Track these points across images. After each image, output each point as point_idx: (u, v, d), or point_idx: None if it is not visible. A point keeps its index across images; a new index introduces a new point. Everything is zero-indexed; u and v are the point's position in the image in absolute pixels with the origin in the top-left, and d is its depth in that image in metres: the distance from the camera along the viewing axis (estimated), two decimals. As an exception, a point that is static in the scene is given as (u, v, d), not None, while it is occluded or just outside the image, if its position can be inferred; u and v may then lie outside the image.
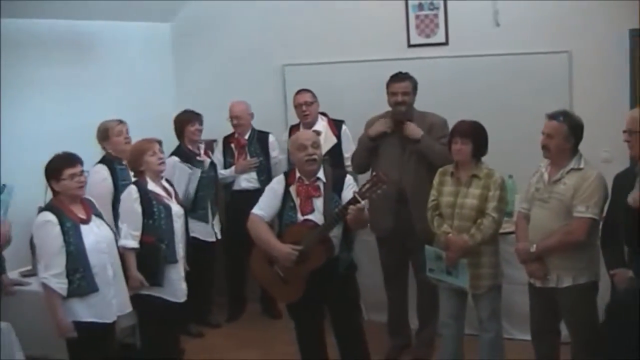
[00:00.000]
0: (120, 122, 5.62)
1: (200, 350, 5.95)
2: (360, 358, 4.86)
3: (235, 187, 6.49)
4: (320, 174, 4.65)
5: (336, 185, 4.62)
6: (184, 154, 6.11)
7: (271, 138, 6.57)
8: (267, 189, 4.87)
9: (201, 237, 6.12)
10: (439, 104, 5.57)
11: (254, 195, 5.31)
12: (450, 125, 4.90)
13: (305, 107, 6.13)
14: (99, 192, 5.21)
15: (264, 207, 4.74)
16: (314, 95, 6.18)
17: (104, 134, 5.56)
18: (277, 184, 4.78)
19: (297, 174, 4.68)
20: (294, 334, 4.99)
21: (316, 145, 4.62)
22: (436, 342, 5.47)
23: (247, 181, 6.44)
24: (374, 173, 4.57)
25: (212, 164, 6.38)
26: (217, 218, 6.41)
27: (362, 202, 4.38)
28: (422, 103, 5.43)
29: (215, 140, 6.92)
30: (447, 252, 4.64)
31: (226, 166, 6.53)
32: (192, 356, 5.66)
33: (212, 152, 6.61)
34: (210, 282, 6.50)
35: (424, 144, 5.20)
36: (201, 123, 6.25)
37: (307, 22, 6.81)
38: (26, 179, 5.30)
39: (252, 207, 6.24)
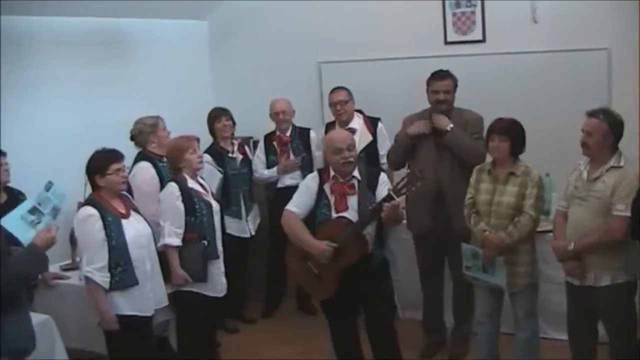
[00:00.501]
0: (160, 118, 5.67)
1: (236, 346, 5.99)
2: (391, 355, 4.86)
3: (279, 185, 6.47)
4: (355, 172, 4.65)
5: (370, 183, 4.62)
6: (216, 151, 6.14)
7: (312, 134, 6.57)
8: (301, 185, 4.88)
9: (235, 234, 6.17)
10: (476, 101, 5.54)
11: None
12: (487, 123, 4.89)
13: (340, 106, 6.12)
14: (149, 189, 5.23)
15: (298, 204, 4.75)
16: (349, 94, 6.16)
17: (152, 128, 5.55)
18: (311, 181, 4.78)
19: (332, 172, 4.68)
20: (329, 330, 5.00)
21: (351, 147, 4.61)
22: (471, 341, 5.47)
23: (291, 178, 6.41)
24: (408, 170, 4.56)
25: (245, 161, 6.38)
26: (252, 214, 6.42)
27: (397, 199, 4.38)
28: (458, 100, 5.41)
29: (251, 138, 6.96)
30: (484, 250, 4.63)
31: (269, 165, 6.52)
32: (227, 351, 5.69)
33: (249, 149, 6.63)
34: (244, 278, 6.52)
35: (452, 136, 5.18)
36: (229, 119, 6.25)
37: (343, 20, 6.81)
38: (65, 175, 5.38)
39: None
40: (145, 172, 5.42)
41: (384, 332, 4.80)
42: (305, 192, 4.76)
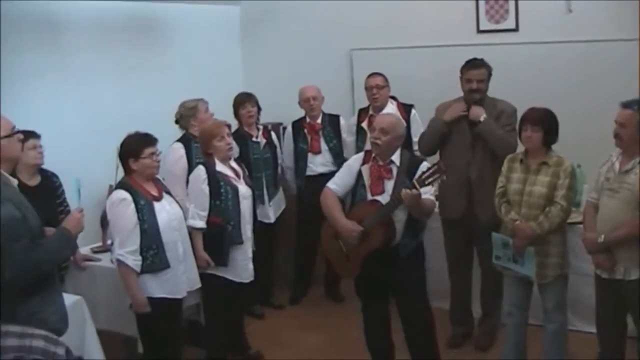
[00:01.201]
0: (204, 101, 5.74)
1: (264, 331, 6.02)
2: (424, 346, 4.85)
3: (309, 172, 6.46)
4: (395, 157, 4.62)
5: (410, 170, 4.57)
6: (240, 135, 6.13)
7: (342, 121, 6.56)
8: (345, 164, 4.92)
9: (258, 218, 6.15)
10: (508, 90, 5.49)
11: (329, 179, 5.27)
12: (520, 113, 4.86)
13: (376, 91, 6.11)
14: (174, 170, 5.31)
15: (338, 182, 4.78)
16: (385, 79, 6.14)
17: (192, 111, 5.66)
18: (354, 161, 4.79)
19: (373, 154, 4.68)
20: (357, 317, 5.01)
21: (384, 131, 4.58)
22: (499, 332, 5.46)
23: (323, 165, 6.43)
24: (434, 162, 4.52)
25: (269, 145, 6.35)
26: (275, 200, 6.39)
27: (418, 190, 4.34)
28: (490, 89, 5.37)
29: (281, 124, 6.97)
30: (514, 239, 4.60)
31: (298, 152, 6.51)
32: (254, 337, 5.71)
33: (279, 135, 6.64)
34: (270, 264, 6.52)
35: (484, 127, 5.15)
36: (254, 105, 6.24)
37: (376, 7, 6.80)
38: (96, 158, 5.44)
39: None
40: (174, 153, 5.51)
41: (413, 323, 4.79)
42: (346, 171, 4.79)
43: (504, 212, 4.73)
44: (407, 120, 6.11)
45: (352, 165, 4.78)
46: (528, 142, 4.63)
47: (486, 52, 5.57)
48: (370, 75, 6.20)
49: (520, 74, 6.10)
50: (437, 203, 4.84)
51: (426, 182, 4.37)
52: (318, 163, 6.46)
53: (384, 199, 4.55)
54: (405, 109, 6.20)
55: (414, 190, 4.33)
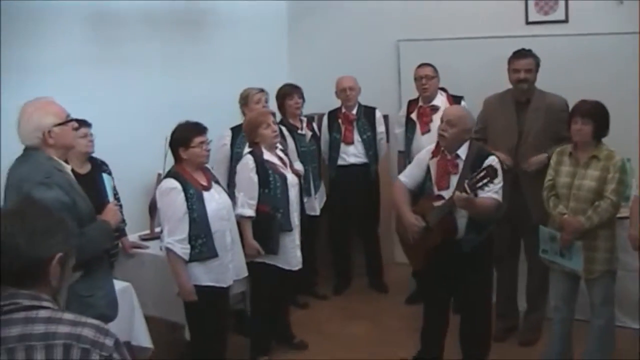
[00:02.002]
0: (261, 90, 5.80)
1: (308, 321, 6.04)
2: (476, 343, 4.84)
3: (341, 162, 6.46)
4: (462, 151, 4.56)
5: (475, 165, 4.48)
6: (285, 127, 6.16)
7: (378, 114, 6.54)
8: (416, 157, 4.90)
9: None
10: (557, 83, 5.45)
11: (361, 170, 5.30)
12: (570, 106, 4.80)
13: (425, 81, 6.07)
14: (217, 156, 5.35)
15: (408, 175, 4.78)
16: (435, 70, 6.10)
17: (244, 100, 5.78)
18: (424, 154, 4.76)
19: (442, 147, 4.63)
20: (400, 308, 5.02)
21: (451, 123, 4.51)
22: (544, 326, 5.42)
23: (354, 156, 6.43)
24: (484, 166, 4.41)
25: (314, 137, 6.38)
26: (321, 192, 6.42)
27: (469, 194, 4.28)
28: (539, 82, 5.33)
29: (324, 114, 6.97)
30: (562, 233, 4.56)
31: (332, 141, 6.51)
32: (297, 326, 5.74)
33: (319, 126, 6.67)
34: (314, 255, 6.54)
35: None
36: (301, 96, 6.26)
37: (423, -2, 6.77)
38: (145, 147, 5.50)
39: (358, 181, 6.30)
40: (219, 140, 5.55)
41: (470, 324, 4.79)
42: (416, 164, 4.78)
43: (552, 205, 4.68)
44: None
45: (422, 158, 4.74)
46: (578, 135, 4.56)
47: (535, 44, 5.53)
48: (419, 66, 6.16)
49: (569, 66, 6.01)
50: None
51: (477, 186, 4.30)
52: (350, 153, 6.45)
53: (448, 194, 4.50)
54: (455, 100, 6.14)
55: (463, 194, 4.29)
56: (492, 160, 4.47)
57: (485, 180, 4.29)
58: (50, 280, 1.97)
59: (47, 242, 1.95)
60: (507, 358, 5.20)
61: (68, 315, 1.95)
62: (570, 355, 4.90)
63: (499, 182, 4.45)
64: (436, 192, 4.57)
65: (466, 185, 4.31)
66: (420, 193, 4.73)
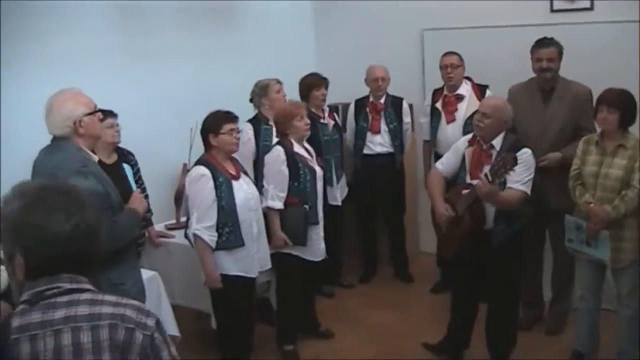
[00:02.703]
0: (278, 81, 5.80)
1: (334, 310, 6.08)
2: (502, 334, 4.85)
3: (367, 151, 6.47)
4: (496, 142, 4.54)
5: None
6: (309, 117, 6.12)
7: (405, 104, 6.54)
8: (453, 145, 4.88)
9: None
10: (583, 71, 5.41)
11: (386, 160, 5.29)
12: (595, 95, 4.77)
13: (450, 70, 6.05)
14: (243, 151, 5.36)
15: (444, 163, 4.80)
16: (460, 59, 6.09)
17: (264, 90, 5.76)
18: (461, 143, 4.76)
19: (477, 137, 4.62)
20: (426, 297, 5.03)
21: (486, 115, 4.49)
22: (569, 316, 5.40)
23: (381, 145, 6.44)
24: (501, 156, 4.39)
25: (337, 127, 6.38)
26: (342, 182, 6.40)
27: (489, 183, 4.25)
28: (564, 70, 5.30)
29: (349, 104, 6.97)
30: (589, 222, 4.53)
31: (358, 130, 6.52)
32: (324, 315, 5.77)
33: (345, 115, 6.66)
34: (339, 245, 6.55)
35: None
36: (327, 87, 6.26)
37: (448, -14, 6.73)
38: (171, 137, 5.54)
39: (385, 170, 6.30)
40: (243, 135, 5.54)
41: (496, 317, 4.80)
42: (452, 152, 4.79)
43: (578, 194, 4.66)
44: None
45: (459, 147, 4.74)
46: (604, 123, 4.54)
47: (560, 32, 5.49)
48: (445, 54, 6.15)
49: (594, 55, 5.95)
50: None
51: (497, 175, 4.26)
52: (376, 143, 6.46)
53: None
54: (480, 89, 6.13)
55: (484, 183, 4.27)
56: (524, 153, 4.45)
57: (502, 169, 4.24)
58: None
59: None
60: (533, 347, 5.19)
61: (109, 297, 1.99)
62: (597, 345, 4.89)
63: (529, 174, 4.44)
64: (469, 181, 4.57)
65: (487, 174, 4.30)
66: (455, 182, 4.74)
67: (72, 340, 1.88)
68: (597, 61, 5.85)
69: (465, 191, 4.55)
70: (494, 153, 4.52)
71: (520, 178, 4.37)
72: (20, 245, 1.91)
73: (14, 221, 1.91)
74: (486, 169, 4.46)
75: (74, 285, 1.94)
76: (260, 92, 5.79)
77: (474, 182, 4.48)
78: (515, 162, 4.24)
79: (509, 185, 4.40)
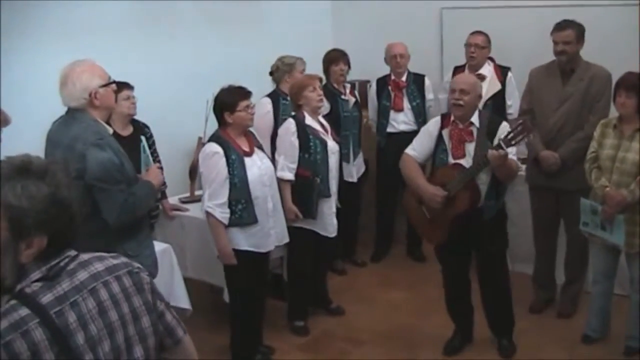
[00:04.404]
0: (303, 61, 5.80)
1: (346, 287, 6.10)
2: (502, 308, 4.86)
3: (391, 129, 6.45)
4: (474, 119, 4.53)
5: (491, 131, 4.48)
6: (329, 92, 6.12)
7: (427, 81, 6.52)
8: (422, 129, 4.85)
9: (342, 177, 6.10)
10: (604, 53, 5.36)
11: (410, 138, 5.24)
12: (617, 77, 4.71)
13: (474, 49, 6.02)
14: (260, 124, 5.37)
15: (417, 148, 4.73)
16: (487, 40, 6.05)
17: (289, 67, 5.76)
18: (432, 126, 4.72)
19: (452, 117, 4.61)
20: (437, 277, 5.02)
21: (465, 92, 4.47)
22: (581, 299, 5.39)
23: (404, 123, 6.41)
24: (519, 121, 4.43)
25: (357, 104, 6.35)
26: (358, 159, 6.39)
27: (505, 150, 4.25)
28: (586, 53, 5.23)
29: (368, 81, 6.94)
30: (604, 206, 4.50)
31: (381, 109, 6.49)
32: (335, 292, 5.79)
33: (366, 92, 6.63)
34: (353, 222, 6.56)
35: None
36: (346, 63, 6.22)
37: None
38: (187, 111, 5.54)
39: (409, 149, 6.30)
40: (261, 108, 5.58)
41: (495, 285, 4.80)
42: (425, 136, 4.73)
43: (594, 178, 4.63)
44: (503, 83, 6.03)
45: (431, 130, 4.70)
46: (622, 108, 4.50)
47: (582, 13, 5.41)
48: (473, 33, 6.10)
49: (617, 37, 5.88)
50: (522, 167, 4.73)
51: (512, 142, 4.28)
52: (400, 121, 6.44)
53: (466, 162, 4.49)
54: (502, 71, 6.10)
55: (500, 151, 4.25)
56: (506, 126, 4.49)
57: (523, 135, 4.26)
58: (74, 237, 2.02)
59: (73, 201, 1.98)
60: (543, 330, 5.20)
61: (98, 254, 2.07)
62: (607, 330, 4.88)
63: (520, 145, 4.46)
64: (452, 161, 4.54)
65: (502, 142, 4.28)
66: (432, 165, 4.73)
67: (108, 294, 1.96)
68: (620, 43, 5.80)
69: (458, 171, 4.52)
70: (474, 130, 4.50)
71: (511, 149, 4.36)
72: (44, 225, 1.87)
73: (40, 202, 1.86)
74: (468, 146, 4.48)
75: (73, 253, 1.99)
76: (285, 69, 5.77)
77: (460, 161, 4.49)
78: (534, 127, 4.23)
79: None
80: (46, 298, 1.85)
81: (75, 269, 1.94)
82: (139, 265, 2.11)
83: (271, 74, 5.85)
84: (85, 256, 2.00)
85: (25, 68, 4.85)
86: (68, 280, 1.90)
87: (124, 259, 2.08)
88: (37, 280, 1.88)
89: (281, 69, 5.79)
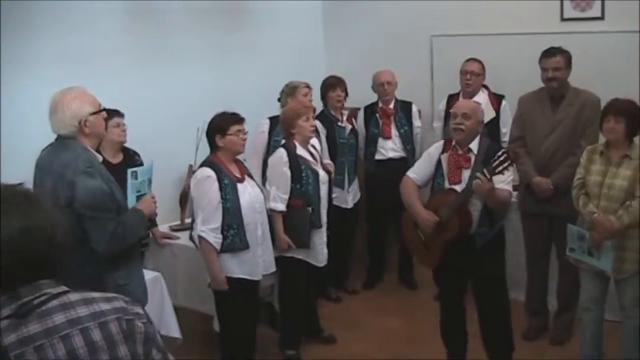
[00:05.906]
0: (308, 86, 5.83)
1: (339, 314, 6.08)
2: (497, 335, 4.80)
3: (379, 156, 6.47)
4: (474, 145, 4.54)
5: (487, 159, 4.45)
6: (327, 118, 6.18)
7: (414, 108, 6.55)
8: (425, 153, 4.87)
9: (336, 203, 6.09)
10: (593, 80, 5.40)
11: (399, 165, 5.30)
12: (604, 103, 4.75)
13: (470, 76, 6.07)
14: (254, 143, 5.38)
15: (417, 171, 4.74)
16: (482, 68, 6.11)
17: (293, 90, 5.78)
18: (434, 150, 4.73)
19: (453, 142, 4.63)
20: (430, 304, 5.01)
21: (467, 116, 4.50)
22: (575, 326, 5.37)
23: (393, 150, 6.43)
24: (504, 149, 4.45)
25: (353, 131, 6.39)
26: (353, 186, 6.40)
27: (489, 179, 4.24)
28: (574, 79, 5.28)
29: (359, 109, 6.97)
30: (592, 233, 4.50)
31: (369, 136, 6.51)
32: (329, 320, 5.78)
33: (356, 120, 6.67)
34: (347, 249, 6.55)
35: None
36: (344, 89, 6.28)
37: (458, -7, 6.73)
38: (180, 138, 5.55)
39: (397, 176, 6.31)
40: (259, 127, 5.63)
41: (489, 313, 4.75)
42: (426, 160, 4.74)
43: (582, 204, 4.63)
44: (497, 111, 6.08)
45: (432, 153, 4.71)
46: (611, 133, 4.52)
47: (570, 41, 5.48)
48: (468, 60, 6.16)
49: (605, 64, 5.93)
50: (514, 194, 4.74)
51: (496, 171, 4.28)
52: (388, 148, 6.46)
53: (461, 188, 4.49)
54: (497, 98, 6.15)
55: (484, 178, 4.24)
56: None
57: (505, 164, 4.27)
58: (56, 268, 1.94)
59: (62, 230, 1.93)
60: (538, 357, 5.19)
61: (95, 294, 1.95)
62: (602, 356, 4.86)
63: (510, 174, 4.45)
64: (448, 186, 4.55)
65: (485, 171, 4.28)
66: (430, 189, 4.73)
67: (84, 342, 1.84)
68: (607, 70, 5.85)
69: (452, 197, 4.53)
70: (472, 156, 4.52)
71: (504, 178, 4.38)
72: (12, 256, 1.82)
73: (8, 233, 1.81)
74: (465, 172, 4.48)
75: (58, 290, 1.88)
76: (289, 92, 5.80)
77: (455, 187, 4.49)
78: (517, 156, 4.28)
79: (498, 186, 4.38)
80: (9, 339, 1.77)
81: (52, 310, 1.84)
82: (138, 311, 1.98)
83: (279, 100, 5.90)
84: (73, 296, 1.89)
85: (20, 94, 4.87)
86: (37, 322, 1.80)
87: (118, 304, 1.95)
88: (6, 317, 1.79)
89: (286, 93, 5.83)
